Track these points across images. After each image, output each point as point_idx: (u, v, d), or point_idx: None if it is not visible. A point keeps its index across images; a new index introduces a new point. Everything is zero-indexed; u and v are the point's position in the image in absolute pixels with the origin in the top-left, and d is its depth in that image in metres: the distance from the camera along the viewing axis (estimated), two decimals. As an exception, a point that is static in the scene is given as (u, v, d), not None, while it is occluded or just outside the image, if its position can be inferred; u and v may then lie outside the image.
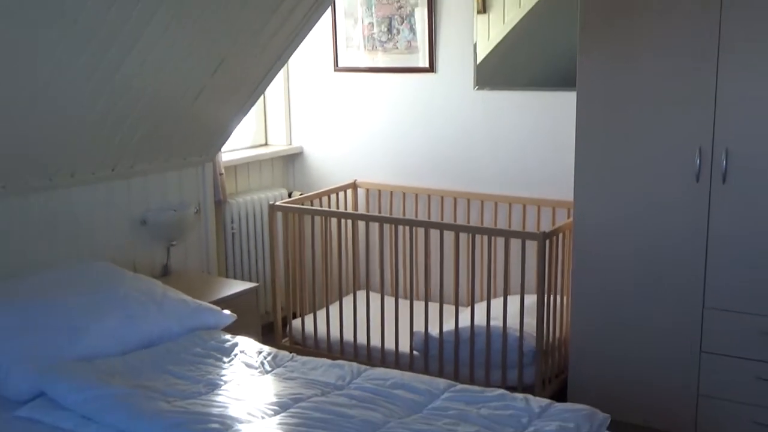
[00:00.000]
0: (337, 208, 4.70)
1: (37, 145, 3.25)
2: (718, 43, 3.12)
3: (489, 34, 4.30)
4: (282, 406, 2.52)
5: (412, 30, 4.52)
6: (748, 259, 3.20)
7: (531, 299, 3.82)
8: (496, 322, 3.71)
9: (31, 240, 3.38)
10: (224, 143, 4.24)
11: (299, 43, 4.02)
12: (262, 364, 2.90)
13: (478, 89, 4.39)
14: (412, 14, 4.50)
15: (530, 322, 3.69)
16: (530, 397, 2.58)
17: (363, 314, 4.13)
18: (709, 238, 3.26)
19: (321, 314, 4.32)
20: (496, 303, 3.79)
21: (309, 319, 4.31)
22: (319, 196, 4.59)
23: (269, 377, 2.79)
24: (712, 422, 3.37)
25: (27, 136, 3.17)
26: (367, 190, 4.83)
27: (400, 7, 4.52)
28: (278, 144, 5.05)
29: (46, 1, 2.69)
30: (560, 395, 3.66)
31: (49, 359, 2.69)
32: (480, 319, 3.77)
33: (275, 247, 4.28)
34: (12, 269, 3.25)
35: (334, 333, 4.19)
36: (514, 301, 3.77)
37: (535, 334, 3.62)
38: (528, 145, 4.29)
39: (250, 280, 4.53)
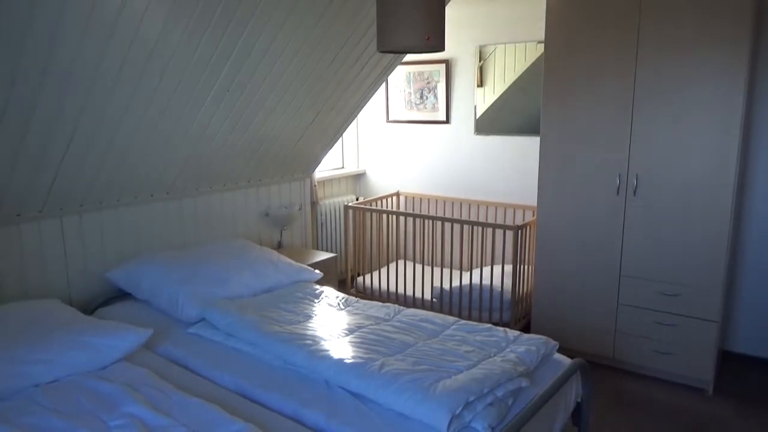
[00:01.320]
0: (387, 208, 4.69)
1: (202, 166, 3.29)
2: (632, 106, 3.06)
3: (484, 99, 4.25)
4: (350, 331, 2.53)
5: (436, 97, 4.48)
6: (649, 244, 3.13)
7: (509, 268, 3.79)
8: (486, 281, 3.68)
9: (196, 225, 3.43)
10: (317, 166, 4.25)
11: (365, 104, 4.01)
12: (338, 304, 2.91)
13: (477, 134, 4.34)
14: (436, 87, 4.46)
15: (508, 282, 3.65)
16: (507, 329, 2.54)
17: (402, 274, 4.13)
18: (624, 231, 3.19)
19: (375, 274, 4.33)
20: (486, 270, 3.76)
21: (368, 277, 4.30)
22: (375, 200, 4.58)
23: (343, 312, 2.80)
24: (625, 350, 3.30)
25: (195, 162, 3.22)
26: (406, 197, 4.81)
27: (428, 83, 4.49)
28: (350, 167, 5.05)
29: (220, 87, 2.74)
30: (526, 329, 3.62)
31: (207, 297, 2.74)
32: (476, 280, 3.74)
33: (347, 231, 4.28)
34: (184, 243, 3.32)
35: (383, 286, 4.18)
36: (497, 268, 3.74)
37: (511, 290, 3.58)
38: (508, 170, 4.23)
39: (331, 252, 4.54)
